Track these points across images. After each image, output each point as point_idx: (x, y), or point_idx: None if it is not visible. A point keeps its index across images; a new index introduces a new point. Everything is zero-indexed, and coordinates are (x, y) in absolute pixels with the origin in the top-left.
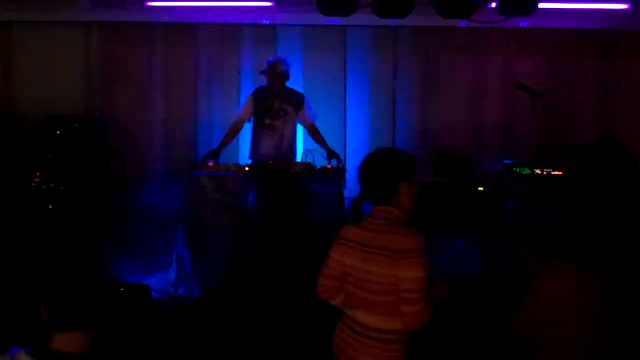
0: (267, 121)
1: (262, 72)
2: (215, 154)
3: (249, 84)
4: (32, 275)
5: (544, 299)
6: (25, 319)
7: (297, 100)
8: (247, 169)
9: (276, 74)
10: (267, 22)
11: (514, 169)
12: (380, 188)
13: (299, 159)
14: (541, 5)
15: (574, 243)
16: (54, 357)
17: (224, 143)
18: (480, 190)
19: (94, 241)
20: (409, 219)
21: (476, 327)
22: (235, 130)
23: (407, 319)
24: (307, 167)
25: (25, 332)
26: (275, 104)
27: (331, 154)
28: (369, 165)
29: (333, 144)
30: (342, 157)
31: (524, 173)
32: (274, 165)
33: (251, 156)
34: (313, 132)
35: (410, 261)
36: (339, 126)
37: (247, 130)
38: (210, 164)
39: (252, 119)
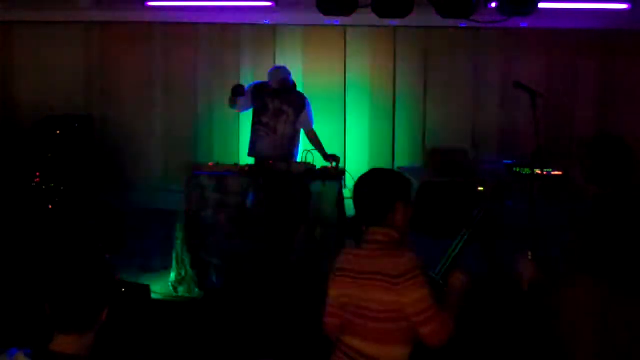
0: (265, 120)
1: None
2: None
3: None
4: (33, 275)
5: (563, 311)
6: (26, 319)
7: (299, 102)
8: (247, 169)
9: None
10: (267, 22)
11: (514, 169)
12: (377, 208)
13: (299, 159)
14: (541, 5)
15: (589, 256)
16: (54, 359)
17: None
18: (480, 190)
19: (95, 241)
20: (403, 238)
21: (475, 327)
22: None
23: (428, 340)
24: (307, 167)
25: (26, 333)
26: (274, 103)
27: (328, 158)
28: (365, 185)
29: (333, 144)
30: (341, 157)
31: (524, 173)
32: (274, 165)
33: (250, 153)
34: (312, 136)
35: (409, 283)
36: (338, 126)
37: (247, 129)
38: (210, 163)
39: (248, 111)
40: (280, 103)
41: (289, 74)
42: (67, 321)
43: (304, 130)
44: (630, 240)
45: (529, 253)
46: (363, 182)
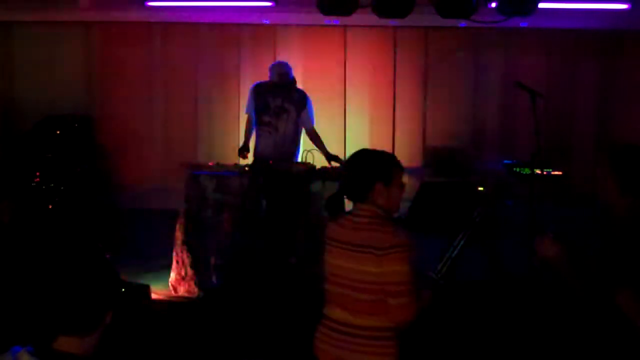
0: (266, 119)
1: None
2: (246, 148)
3: (249, 83)
4: (33, 275)
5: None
6: (26, 319)
7: (300, 100)
8: (247, 169)
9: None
10: (267, 22)
11: (514, 169)
12: (357, 187)
13: (299, 159)
14: (541, 5)
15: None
16: (57, 358)
17: (247, 138)
18: (480, 190)
19: (96, 241)
20: (395, 217)
21: (474, 325)
22: (249, 128)
23: (392, 313)
24: (307, 167)
25: (27, 333)
26: (276, 101)
27: (330, 158)
28: (349, 164)
29: (333, 144)
30: (342, 157)
31: (524, 173)
32: (274, 165)
33: (254, 154)
34: (313, 135)
35: (393, 256)
36: (338, 126)
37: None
38: (210, 163)
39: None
40: (281, 101)
41: (290, 69)
42: (70, 323)
43: (305, 128)
44: None
45: (551, 234)
46: (348, 162)
